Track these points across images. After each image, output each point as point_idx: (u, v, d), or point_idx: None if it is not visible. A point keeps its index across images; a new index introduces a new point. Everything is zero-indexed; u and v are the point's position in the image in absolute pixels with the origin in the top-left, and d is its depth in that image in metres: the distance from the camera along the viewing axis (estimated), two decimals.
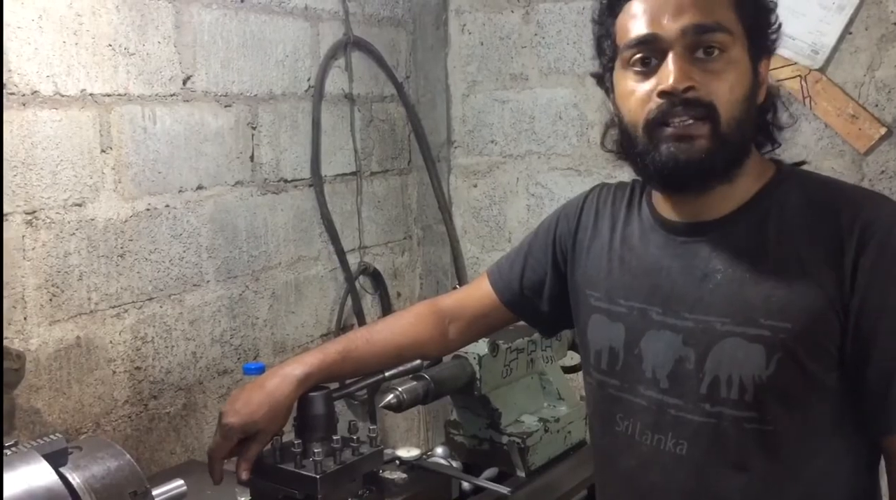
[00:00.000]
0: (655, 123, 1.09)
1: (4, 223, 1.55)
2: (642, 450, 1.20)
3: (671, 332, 1.17)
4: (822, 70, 2.00)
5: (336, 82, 2.30)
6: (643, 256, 1.23)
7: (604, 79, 1.22)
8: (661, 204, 1.22)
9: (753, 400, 1.10)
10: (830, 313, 1.06)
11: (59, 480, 0.94)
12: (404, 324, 1.49)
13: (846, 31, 1.97)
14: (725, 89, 1.07)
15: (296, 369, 1.36)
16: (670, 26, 1.07)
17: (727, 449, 1.13)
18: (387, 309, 2.48)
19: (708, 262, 1.15)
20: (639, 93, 1.11)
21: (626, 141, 1.16)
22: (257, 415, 1.32)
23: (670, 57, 1.07)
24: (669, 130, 1.08)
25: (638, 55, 1.11)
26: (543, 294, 1.41)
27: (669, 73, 1.07)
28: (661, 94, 1.08)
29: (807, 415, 1.10)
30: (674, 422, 1.17)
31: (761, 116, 1.17)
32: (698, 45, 1.07)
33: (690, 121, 1.07)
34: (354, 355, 1.42)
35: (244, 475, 1.33)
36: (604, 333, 1.26)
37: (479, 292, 1.48)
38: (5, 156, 1.54)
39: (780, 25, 1.16)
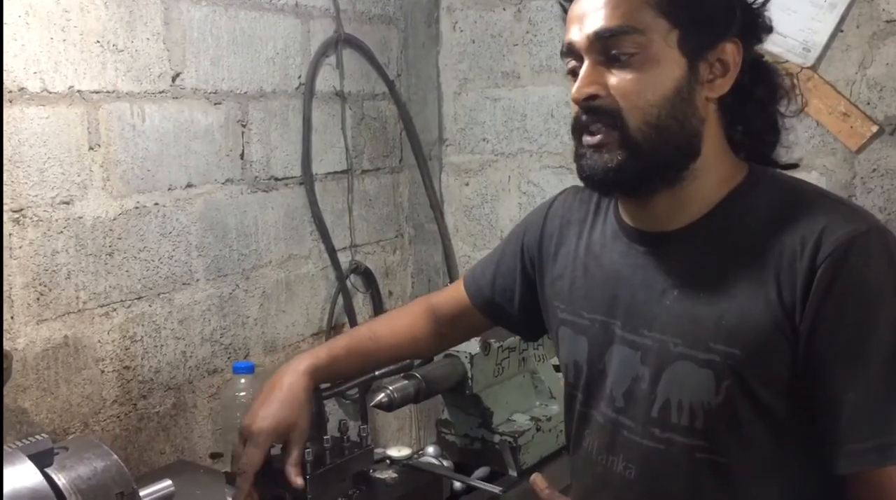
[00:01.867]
0: (577, 131, 1.09)
1: None
2: (597, 470, 1.17)
3: (630, 348, 1.12)
4: (813, 68, 1.99)
5: (327, 80, 2.29)
6: (605, 265, 1.18)
7: None
8: (625, 211, 1.18)
9: (704, 428, 1.04)
10: (779, 337, 1.00)
11: (44, 481, 0.92)
12: (403, 323, 1.49)
13: (838, 28, 1.97)
14: (634, 93, 1.03)
15: (301, 363, 1.34)
16: (580, 34, 1.06)
17: (677, 478, 1.08)
18: (378, 308, 2.47)
19: (667, 276, 1.10)
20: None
21: None
22: (283, 413, 1.27)
23: (584, 64, 1.07)
24: (587, 139, 1.08)
25: (570, 64, 1.10)
26: (514, 302, 1.39)
27: (577, 81, 1.07)
28: (573, 101, 1.08)
29: (758, 446, 1.04)
30: (626, 444, 1.12)
31: (738, 110, 1.10)
32: (608, 50, 1.04)
33: (602, 129, 1.05)
34: (359, 351, 1.42)
35: (300, 482, 1.26)
36: (569, 346, 1.22)
37: (457, 293, 1.48)
38: None
39: (765, 1, 1.09)
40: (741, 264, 1.04)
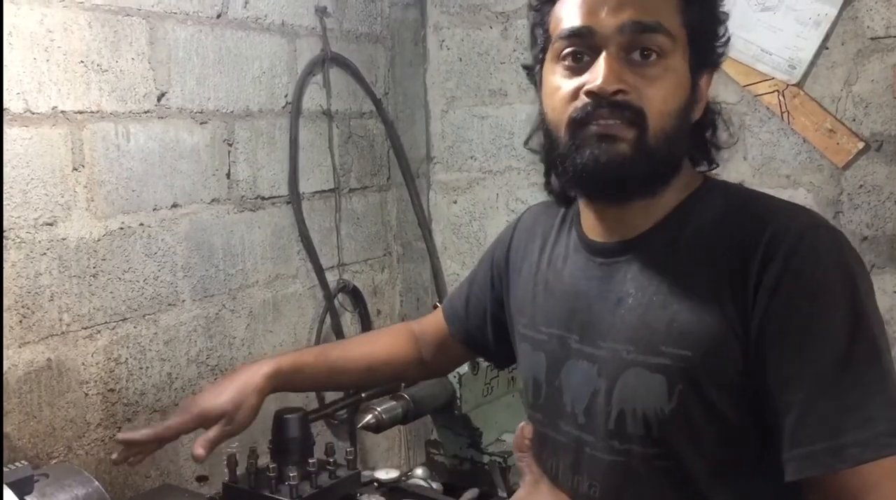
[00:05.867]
0: (579, 123, 1.00)
1: None
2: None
3: (588, 362, 1.08)
4: (799, 85, 2.00)
5: (314, 99, 2.28)
6: (565, 279, 1.15)
7: (534, 71, 1.12)
8: (587, 223, 1.15)
9: (659, 436, 1.01)
10: (731, 338, 0.96)
11: None
12: (381, 342, 1.48)
13: (823, 46, 1.98)
14: (659, 98, 0.99)
15: (265, 365, 1.37)
16: (607, 21, 0.98)
17: (640, 491, 1.04)
18: (366, 327, 2.46)
19: (622, 285, 1.07)
20: (565, 90, 1.02)
21: (548, 141, 1.07)
22: (222, 397, 1.32)
23: (603, 55, 0.99)
24: (593, 129, 0.99)
25: (569, 49, 1.01)
26: (487, 321, 1.37)
27: (599, 72, 0.98)
28: (589, 93, 0.98)
29: (715, 452, 1.00)
30: (589, 462, 1.08)
31: (698, 133, 1.09)
32: (635, 45, 0.99)
33: (618, 123, 0.98)
34: (328, 361, 1.42)
35: (199, 452, 1.30)
36: (528, 363, 1.18)
37: (437, 321, 1.47)
38: None
39: (728, 39, 1.08)
40: (693, 266, 1.02)
